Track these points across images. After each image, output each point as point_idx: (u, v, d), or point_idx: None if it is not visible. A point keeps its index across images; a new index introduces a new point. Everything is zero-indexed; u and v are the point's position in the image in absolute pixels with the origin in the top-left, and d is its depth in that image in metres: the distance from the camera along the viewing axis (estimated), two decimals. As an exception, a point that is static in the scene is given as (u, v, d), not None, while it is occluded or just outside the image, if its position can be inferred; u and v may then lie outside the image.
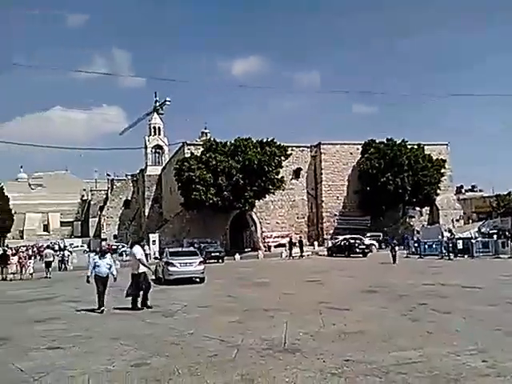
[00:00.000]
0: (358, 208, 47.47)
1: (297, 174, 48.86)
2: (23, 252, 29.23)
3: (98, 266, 12.07)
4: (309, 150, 49.77)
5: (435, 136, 68.35)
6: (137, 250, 12.59)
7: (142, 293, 12.38)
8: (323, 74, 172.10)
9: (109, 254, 13.00)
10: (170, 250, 21.71)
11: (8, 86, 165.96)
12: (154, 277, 20.49)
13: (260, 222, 46.90)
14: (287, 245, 37.13)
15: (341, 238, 37.38)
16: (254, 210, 44.49)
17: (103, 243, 66.27)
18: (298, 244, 36.16)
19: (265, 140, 40.67)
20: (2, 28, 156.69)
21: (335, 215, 48.07)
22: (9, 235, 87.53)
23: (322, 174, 48.53)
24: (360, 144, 48.43)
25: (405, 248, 34.13)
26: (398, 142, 45.52)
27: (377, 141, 47.05)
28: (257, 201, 41.92)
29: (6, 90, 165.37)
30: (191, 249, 23.95)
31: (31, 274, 26.14)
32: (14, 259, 26.39)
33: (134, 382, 6.06)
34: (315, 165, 49.34)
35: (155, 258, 34.82)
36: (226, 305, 12.76)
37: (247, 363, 6.74)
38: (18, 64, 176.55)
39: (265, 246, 44.76)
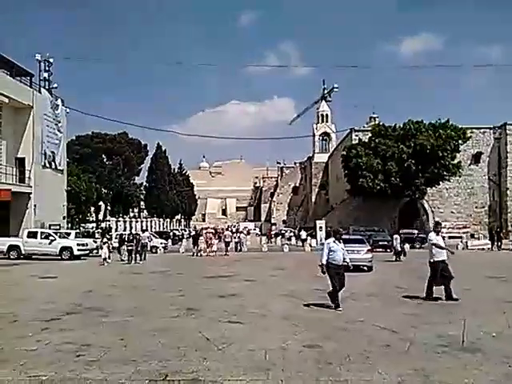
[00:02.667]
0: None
1: (476, 158, 44.38)
2: (209, 233, 32.89)
3: (334, 251, 10.05)
4: (491, 131, 44.69)
5: None
6: (432, 235, 11.41)
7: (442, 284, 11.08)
8: (506, 48, 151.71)
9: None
10: (337, 236, 21.75)
11: (189, 85, 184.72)
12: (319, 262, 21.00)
13: (432, 211, 44.01)
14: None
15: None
16: (426, 197, 41.95)
17: (273, 227, 69.93)
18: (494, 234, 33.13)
19: (439, 122, 37.84)
20: (181, 28, 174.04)
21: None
22: (193, 218, 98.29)
23: (507, 158, 43.19)
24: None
25: None
26: None
27: None
28: (429, 188, 39.43)
29: (188, 88, 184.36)
30: (358, 236, 23.67)
31: (215, 252, 29.33)
32: (202, 239, 29.85)
33: (307, 362, 6.31)
34: (499, 148, 44.10)
35: (321, 244, 35.60)
36: (396, 295, 12.35)
37: (421, 358, 6.46)
38: (201, 64, 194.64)
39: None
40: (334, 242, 10.24)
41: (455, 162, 37.34)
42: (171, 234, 48.63)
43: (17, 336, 7.89)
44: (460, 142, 37.70)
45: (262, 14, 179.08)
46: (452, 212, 44.11)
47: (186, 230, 62.53)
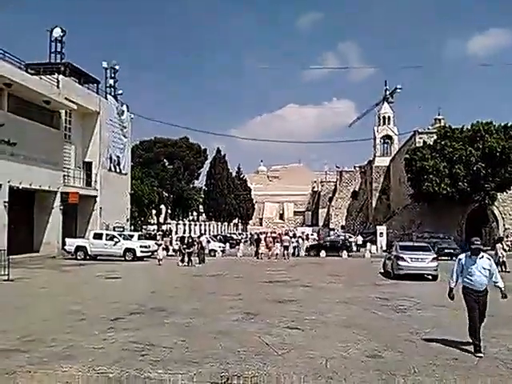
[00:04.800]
0: None
1: (552, 161, 41.42)
2: (269, 237, 33.62)
3: (471, 273, 7.22)
4: None
5: None
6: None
7: None
8: None
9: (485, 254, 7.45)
10: (401, 243, 21.18)
11: (246, 88, 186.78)
12: (382, 270, 20.44)
13: (503, 218, 41.55)
14: None
15: None
16: (496, 203, 39.66)
17: (331, 232, 69.01)
18: None
19: (510, 124, 35.79)
20: (239, 30, 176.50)
21: None
22: (250, 222, 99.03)
23: None
24: None
25: None
26: None
27: None
28: (499, 193, 37.27)
29: (246, 91, 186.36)
30: (423, 244, 22.80)
31: (276, 255, 30.00)
32: (263, 242, 31.32)
33: (370, 372, 6.11)
34: None
35: (383, 251, 34.63)
36: (464, 306, 11.72)
37: (491, 373, 6.08)
38: (260, 67, 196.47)
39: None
40: (470, 257, 7.30)
41: (528, 165, 35.11)
42: (229, 237, 49.23)
43: (84, 334, 8.24)
44: (534, 144, 35.40)
45: (322, 15, 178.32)
46: (524, 219, 41.51)
47: (243, 234, 63.09)
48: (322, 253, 33.64)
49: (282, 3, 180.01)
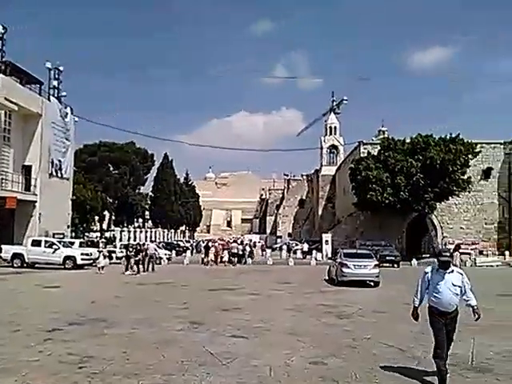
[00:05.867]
0: None
1: (486, 174, 43.89)
2: (219, 244, 34.44)
3: (438, 290, 6.00)
4: (502, 146, 44.33)
5: None
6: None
7: None
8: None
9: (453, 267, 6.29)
10: (345, 251, 21.65)
11: (198, 95, 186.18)
12: (327, 277, 20.82)
13: (441, 227, 43.56)
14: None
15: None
16: (435, 213, 41.53)
17: (278, 240, 69.68)
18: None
19: (448, 137, 37.68)
20: (192, 40, 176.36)
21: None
22: (198, 229, 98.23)
23: (517, 174, 42.79)
24: None
25: None
26: None
27: None
28: (438, 203, 39.02)
29: (196, 98, 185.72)
30: (366, 251, 23.48)
31: (224, 263, 30.49)
32: (212, 250, 31.78)
33: (312, 378, 6.16)
34: (510, 163, 43.71)
35: (328, 259, 35.34)
36: (404, 312, 12.11)
37: (430, 378, 6.29)
38: (217, 74, 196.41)
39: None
40: (438, 271, 6.07)
41: (465, 177, 36.99)
42: (176, 244, 48.56)
43: (20, 345, 7.81)
44: (470, 156, 37.38)
45: (273, 24, 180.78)
46: (461, 228, 43.60)
47: (190, 241, 62.47)
48: (270, 260, 33.88)
49: (234, 11, 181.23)
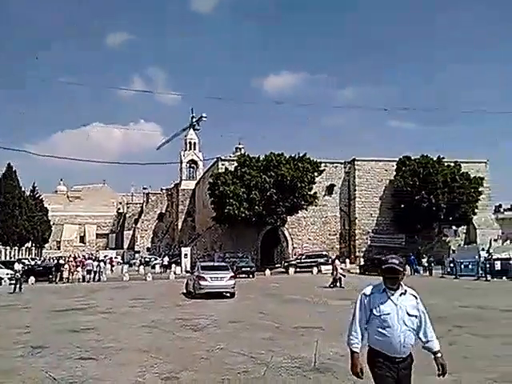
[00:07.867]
0: (392, 226, 46.54)
1: (330, 190, 48.45)
2: (72, 262, 34.15)
3: (384, 323, 3.73)
4: (342, 166, 49.36)
5: (476, 153, 65.96)
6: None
7: None
8: (358, 89, 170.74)
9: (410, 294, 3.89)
10: (202, 264, 21.91)
11: (49, 102, 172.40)
12: (185, 290, 20.80)
13: (292, 238, 46.67)
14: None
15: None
16: (286, 225, 44.40)
17: (136, 255, 67.49)
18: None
19: (297, 156, 40.71)
20: (42, 45, 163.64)
21: (368, 233, 47.32)
22: (46, 245, 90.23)
23: (355, 190, 47.96)
24: (395, 161, 47.67)
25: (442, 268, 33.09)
26: (433, 159, 44.62)
27: (412, 158, 46.19)
28: (289, 216, 41.85)
29: (48, 105, 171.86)
30: (222, 263, 24.07)
31: (78, 280, 30.54)
32: (66, 267, 31.56)
33: (164, 395, 6.11)
34: (349, 181, 48.87)
35: (187, 272, 35.32)
36: (257, 321, 12.70)
37: (277, 381, 6.70)
38: (62, 81, 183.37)
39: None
40: (382, 293, 3.80)
41: (312, 192, 40.29)
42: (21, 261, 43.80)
43: None
44: (315, 174, 40.88)
45: (131, 37, 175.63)
46: (309, 239, 47.28)
47: (36, 259, 57.04)
48: (127, 276, 32.63)
49: (92, 18, 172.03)
